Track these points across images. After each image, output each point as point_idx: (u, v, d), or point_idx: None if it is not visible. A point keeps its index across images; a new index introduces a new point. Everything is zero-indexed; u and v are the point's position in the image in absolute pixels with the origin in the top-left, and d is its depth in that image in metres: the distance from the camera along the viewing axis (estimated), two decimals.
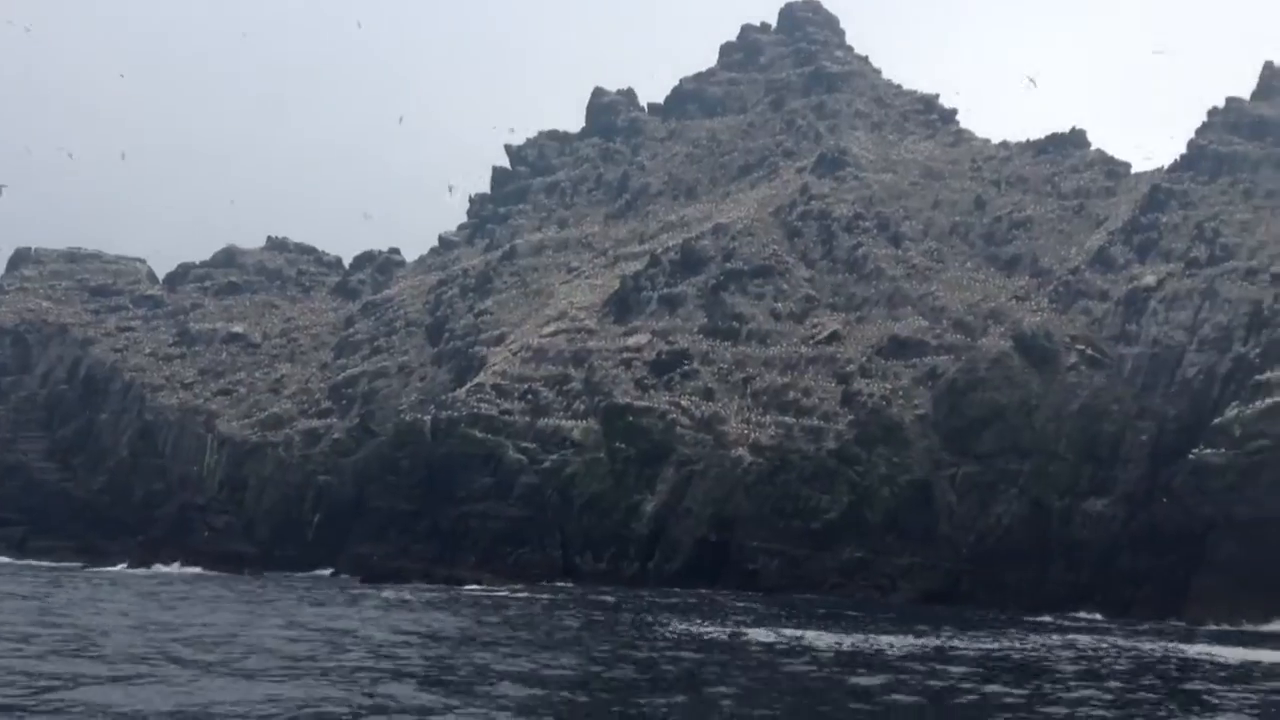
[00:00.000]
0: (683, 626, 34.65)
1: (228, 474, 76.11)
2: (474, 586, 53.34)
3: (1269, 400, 49.68)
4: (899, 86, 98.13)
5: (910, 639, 33.29)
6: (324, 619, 33.56)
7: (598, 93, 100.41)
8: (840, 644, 31.05)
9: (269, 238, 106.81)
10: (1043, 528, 55.61)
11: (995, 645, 32.82)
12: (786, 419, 60.64)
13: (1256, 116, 70.60)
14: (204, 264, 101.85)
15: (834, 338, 65.25)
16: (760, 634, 33.05)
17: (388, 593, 48.02)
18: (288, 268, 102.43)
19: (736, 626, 35.41)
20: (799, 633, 33.59)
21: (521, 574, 57.18)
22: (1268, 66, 74.88)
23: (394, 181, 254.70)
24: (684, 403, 61.99)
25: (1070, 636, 36.92)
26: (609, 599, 46.99)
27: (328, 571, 64.60)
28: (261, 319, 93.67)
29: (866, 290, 69.02)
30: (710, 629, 34.42)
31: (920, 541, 55.94)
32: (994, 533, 56.12)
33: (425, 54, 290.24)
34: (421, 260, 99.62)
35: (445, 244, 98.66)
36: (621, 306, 71.29)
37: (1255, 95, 73.39)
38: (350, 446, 74.67)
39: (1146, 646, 34.26)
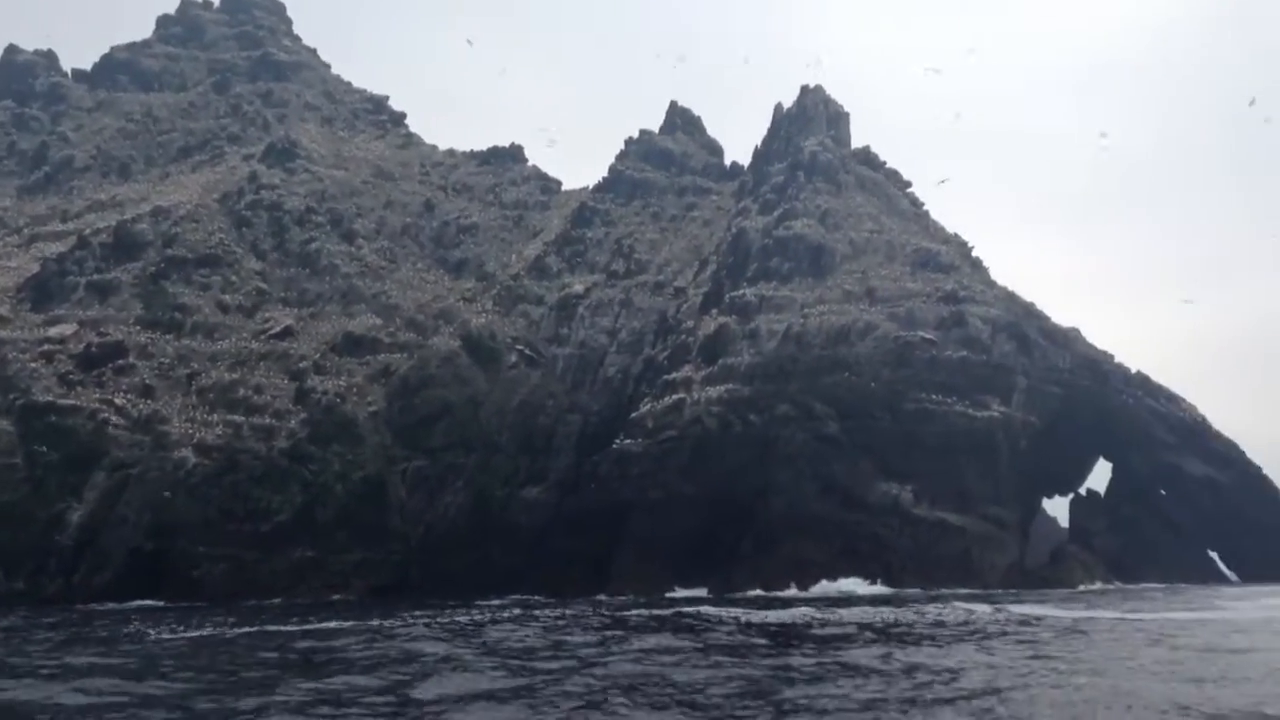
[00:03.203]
0: None
1: None
2: None
3: (674, 396, 57.93)
4: (349, 84, 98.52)
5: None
6: None
7: (11, 50, 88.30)
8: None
9: None
10: (485, 516, 59.77)
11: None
12: (235, 417, 58.53)
13: (663, 149, 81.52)
14: None
15: (287, 333, 64.15)
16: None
17: None
18: None
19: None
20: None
21: None
22: (673, 106, 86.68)
23: None
24: (118, 401, 57.15)
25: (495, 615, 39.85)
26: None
27: None
28: None
29: (320, 286, 68.76)
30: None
31: (372, 537, 57.20)
32: (441, 523, 59.14)
33: None
34: None
35: None
36: (41, 292, 63.77)
37: (662, 129, 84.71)
38: None
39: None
